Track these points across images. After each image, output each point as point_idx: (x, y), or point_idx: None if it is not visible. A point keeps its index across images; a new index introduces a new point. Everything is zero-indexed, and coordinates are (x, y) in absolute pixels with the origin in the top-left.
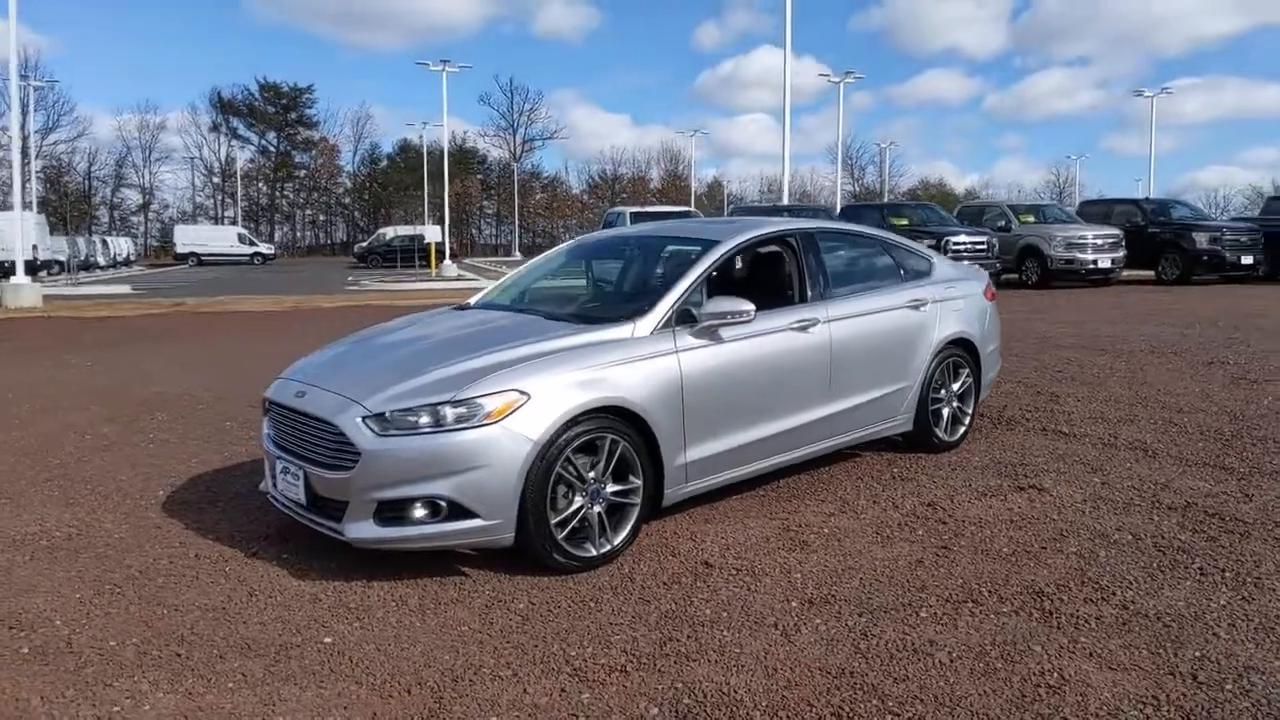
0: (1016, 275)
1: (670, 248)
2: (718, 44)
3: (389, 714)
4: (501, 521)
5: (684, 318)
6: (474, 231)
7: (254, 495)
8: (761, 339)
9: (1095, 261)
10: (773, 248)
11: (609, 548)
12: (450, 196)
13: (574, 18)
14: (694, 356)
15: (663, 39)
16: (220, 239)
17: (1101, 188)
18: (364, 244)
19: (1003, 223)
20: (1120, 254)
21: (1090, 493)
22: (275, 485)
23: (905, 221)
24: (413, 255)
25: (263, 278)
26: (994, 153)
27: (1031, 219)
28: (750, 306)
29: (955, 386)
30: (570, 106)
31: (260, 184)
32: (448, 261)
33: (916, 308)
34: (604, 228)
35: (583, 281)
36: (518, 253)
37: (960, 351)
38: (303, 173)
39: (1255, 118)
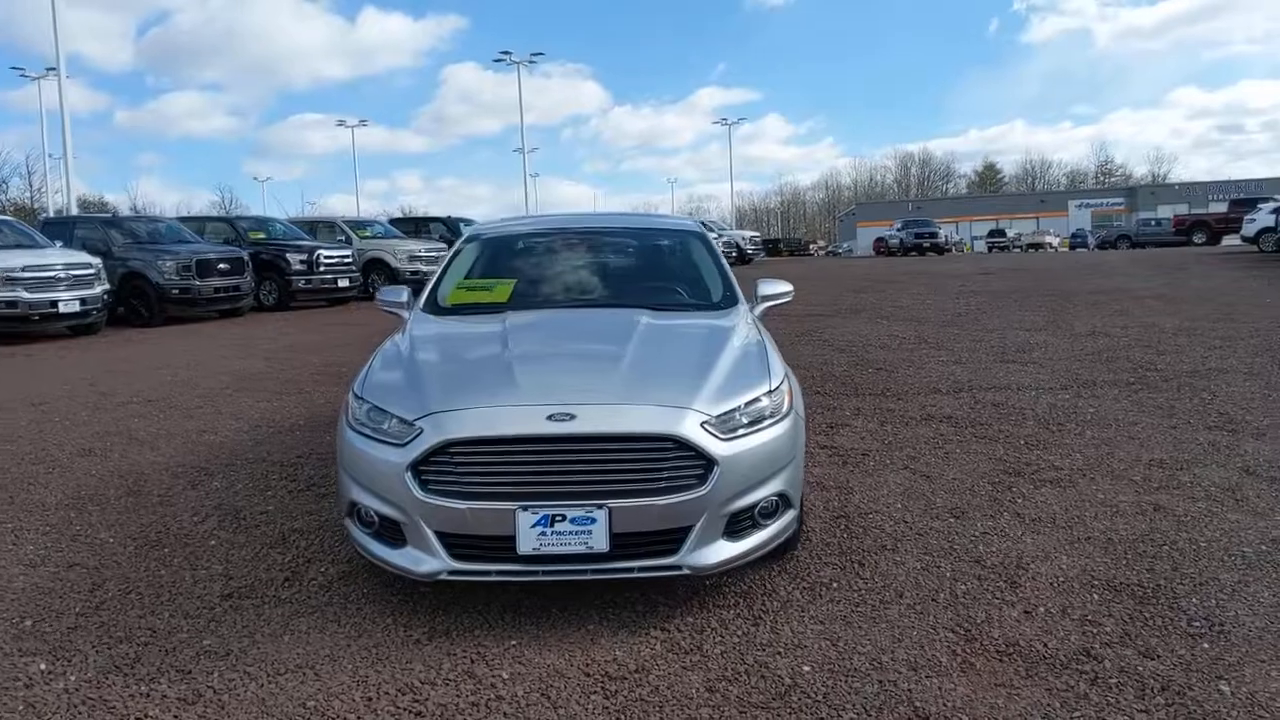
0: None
1: (650, 240)
2: None
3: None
4: (798, 510)
5: None
6: None
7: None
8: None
9: (434, 272)
10: None
11: None
12: None
13: None
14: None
15: None
16: None
17: (261, 208)
18: None
19: (342, 237)
20: None
21: (968, 416)
22: (512, 550)
23: (263, 235)
24: None
25: None
26: (133, 170)
27: (368, 234)
28: (791, 287)
29: None
30: None
31: None
32: None
33: None
34: None
35: (560, 273)
36: None
37: None
38: None
39: (373, 154)
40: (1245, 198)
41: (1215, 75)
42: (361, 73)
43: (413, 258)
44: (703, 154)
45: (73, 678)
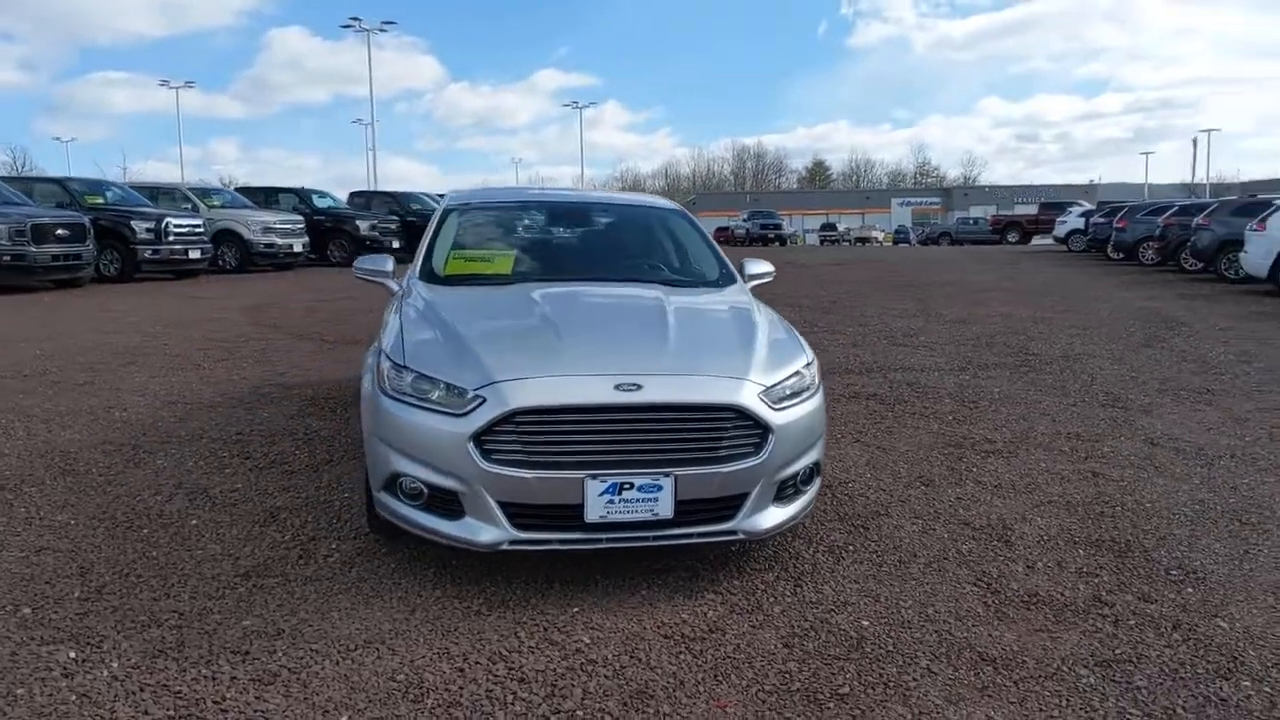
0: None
1: (638, 217)
2: None
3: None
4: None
5: None
6: None
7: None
8: None
9: (290, 245)
10: None
11: None
12: None
13: None
14: None
15: None
16: None
17: (63, 171)
18: None
19: (188, 205)
20: (306, 239)
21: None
22: (577, 518)
23: (100, 200)
24: None
25: None
26: None
27: (216, 203)
28: (773, 267)
29: None
30: None
31: None
32: None
33: None
34: None
35: (559, 246)
36: None
37: None
38: None
39: (183, 118)
40: (1053, 201)
41: (1016, 88)
42: (173, 31)
43: (267, 229)
44: (541, 136)
45: (115, 664)
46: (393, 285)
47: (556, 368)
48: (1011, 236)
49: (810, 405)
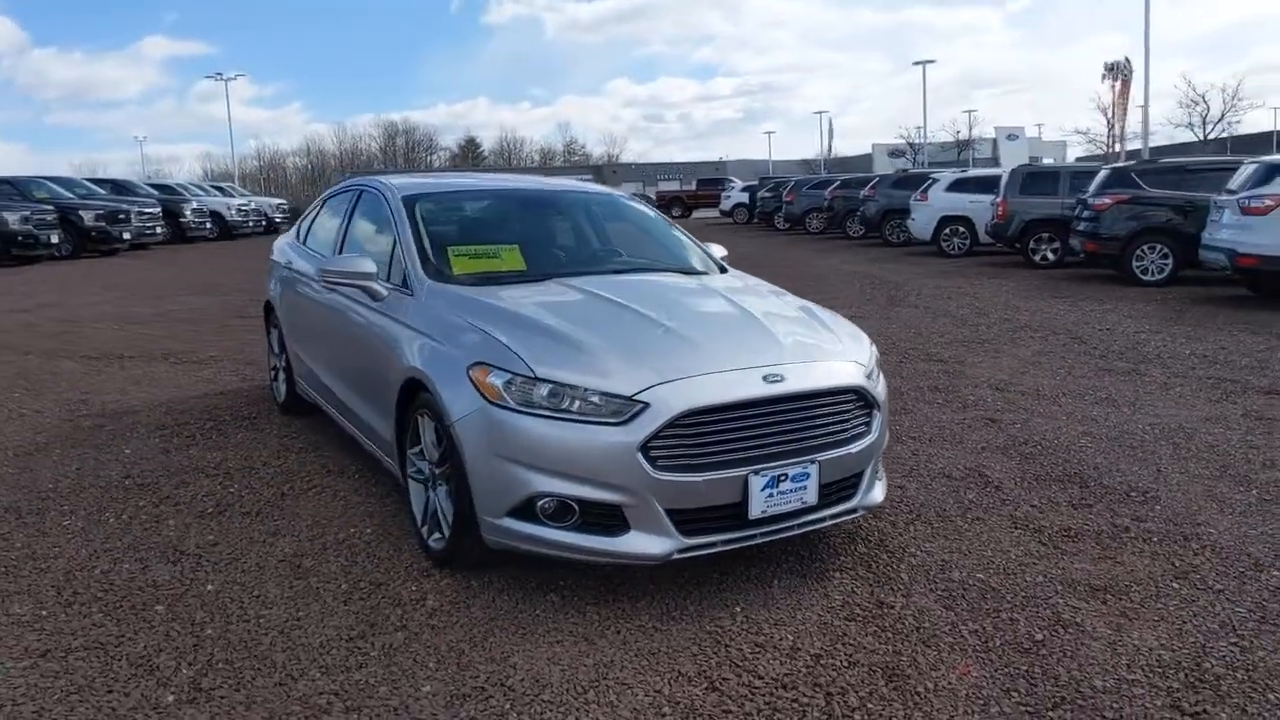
0: None
1: (612, 207)
2: None
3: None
4: None
5: None
6: None
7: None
8: None
9: None
10: None
11: None
12: None
13: None
14: None
15: None
16: None
17: None
18: None
19: None
20: None
21: None
22: (739, 516)
23: None
24: None
25: None
26: None
27: None
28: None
29: None
30: None
31: None
32: None
33: None
34: None
35: (556, 238)
36: None
37: None
38: None
39: None
40: (710, 178)
41: (641, 70)
42: None
43: None
44: (153, 110)
45: None
46: (380, 289)
47: (700, 365)
48: (675, 211)
49: (884, 382)
